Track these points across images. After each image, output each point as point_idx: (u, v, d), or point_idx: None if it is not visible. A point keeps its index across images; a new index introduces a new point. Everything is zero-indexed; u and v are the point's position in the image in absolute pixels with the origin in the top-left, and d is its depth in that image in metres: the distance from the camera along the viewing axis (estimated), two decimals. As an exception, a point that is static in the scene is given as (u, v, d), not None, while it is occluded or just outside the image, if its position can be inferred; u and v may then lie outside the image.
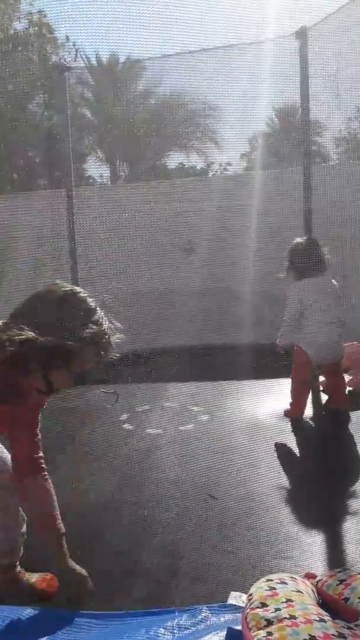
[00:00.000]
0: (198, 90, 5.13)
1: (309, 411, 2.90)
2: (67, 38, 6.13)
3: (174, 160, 6.99)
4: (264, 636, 1.12)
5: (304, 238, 3.15)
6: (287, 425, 2.71)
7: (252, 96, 4.55)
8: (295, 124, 4.65)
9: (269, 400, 3.02)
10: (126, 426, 2.84)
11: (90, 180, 7.42)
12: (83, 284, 4.20)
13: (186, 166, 6.43)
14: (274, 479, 2.15)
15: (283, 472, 2.23)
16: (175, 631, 1.27)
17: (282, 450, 2.45)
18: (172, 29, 4.36)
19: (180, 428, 2.77)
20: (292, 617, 1.14)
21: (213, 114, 5.94)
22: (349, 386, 3.14)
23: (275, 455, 2.38)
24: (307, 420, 2.83)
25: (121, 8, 4.01)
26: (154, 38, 4.40)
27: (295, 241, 3.02)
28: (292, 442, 2.55)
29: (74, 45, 5.79)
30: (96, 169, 7.75)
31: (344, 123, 5.31)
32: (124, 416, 2.96)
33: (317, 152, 6.05)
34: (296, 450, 2.46)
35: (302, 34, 3.79)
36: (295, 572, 1.49)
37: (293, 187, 4.05)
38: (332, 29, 3.81)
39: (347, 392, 3.03)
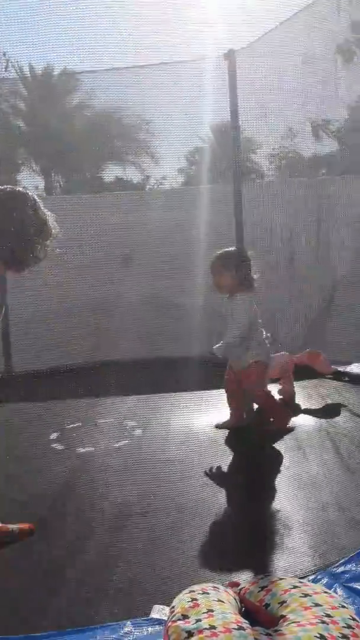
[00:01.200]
0: (134, 105, 5.18)
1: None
2: (-1, 51, 6.00)
3: (110, 173, 6.97)
4: (184, 649, 1.12)
5: (237, 248, 3.19)
6: (220, 437, 2.74)
7: (187, 112, 4.66)
8: (228, 140, 4.79)
9: (201, 413, 3.04)
10: (56, 445, 2.76)
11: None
12: (14, 296, 4.09)
13: (123, 179, 6.44)
14: (202, 491, 2.16)
15: (213, 484, 2.25)
16: (99, 648, 1.25)
17: (212, 462, 2.47)
18: (107, 44, 4.41)
19: (115, 445, 2.73)
20: (212, 627, 1.15)
21: (148, 129, 6.00)
22: (280, 394, 3.24)
23: (205, 467, 2.39)
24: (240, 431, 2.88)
25: (55, 21, 4.00)
26: (90, 52, 4.41)
27: (230, 250, 2.99)
28: (223, 454, 2.57)
29: (4, 54, 5.67)
30: (31, 180, 7.62)
31: (277, 141, 5.52)
32: (54, 435, 2.88)
33: (250, 168, 6.23)
34: (226, 462, 2.48)
35: (230, 55, 3.93)
36: (224, 581, 1.51)
37: (226, 202, 4.16)
38: (261, 51, 3.99)
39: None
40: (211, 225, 4.25)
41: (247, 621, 1.20)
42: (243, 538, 1.79)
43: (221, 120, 5.50)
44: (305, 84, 3.94)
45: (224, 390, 2.93)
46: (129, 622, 1.35)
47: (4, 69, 5.57)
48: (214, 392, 3.06)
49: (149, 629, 1.31)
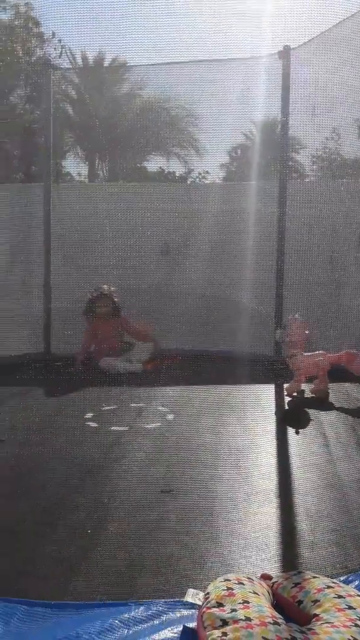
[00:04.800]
0: (182, 97, 5.20)
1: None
2: (53, 34, 6.09)
3: (154, 164, 7.02)
4: (218, 636, 1.16)
5: None
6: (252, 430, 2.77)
7: (235, 109, 4.65)
8: (274, 139, 4.76)
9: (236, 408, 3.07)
10: (91, 424, 2.84)
11: (68, 178, 7.37)
12: (56, 281, 4.19)
13: (166, 171, 6.47)
14: (237, 478, 2.20)
15: (246, 472, 2.28)
16: (131, 624, 1.29)
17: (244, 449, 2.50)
18: (162, 36, 4.43)
19: (146, 426, 2.80)
20: (247, 618, 1.18)
21: (195, 122, 6.00)
22: (312, 393, 3.27)
23: (238, 454, 2.44)
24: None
25: (111, 10, 4.05)
26: (142, 43, 4.44)
27: None
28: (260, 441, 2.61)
29: (59, 41, 5.76)
30: (75, 166, 7.72)
31: (322, 142, 5.45)
32: (90, 414, 2.97)
33: (293, 167, 6.18)
34: (256, 455, 2.51)
35: (285, 54, 3.89)
36: (252, 572, 1.54)
37: (268, 200, 4.15)
38: (315, 51, 3.94)
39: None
40: (252, 221, 4.26)
41: (281, 617, 1.23)
42: (275, 532, 1.81)
43: (269, 117, 5.48)
44: (357, 85, 3.89)
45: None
46: (162, 602, 1.39)
47: (58, 56, 5.67)
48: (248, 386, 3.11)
49: (183, 611, 1.35)
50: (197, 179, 5.92)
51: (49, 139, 4.27)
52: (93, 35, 4.30)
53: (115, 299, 4.07)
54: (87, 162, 7.79)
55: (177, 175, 6.36)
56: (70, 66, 6.33)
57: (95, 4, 4.01)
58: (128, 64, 5.40)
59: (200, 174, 5.89)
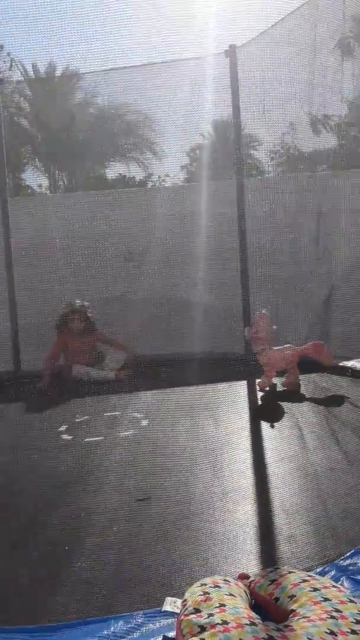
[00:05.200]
0: (136, 102, 5.19)
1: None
2: (1, 47, 6.03)
3: (113, 170, 6.99)
4: (197, 643, 1.15)
5: None
6: (225, 429, 2.78)
7: (188, 110, 4.67)
8: (229, 137, 4.79)
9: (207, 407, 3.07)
10: (65, 436, 2.81)
11: (29, 190, 7.29)
12: (21, 294, 4.14)
13: (126, 177, 6.45)
14: (211, 480, 2.20)
15: (222, 471, 2.28)
16: (112, 640, 1.28)
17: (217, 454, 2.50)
18: (111, 43, 4.42)
19: (121, 434, 2.78)
20: (224, 622, 1.18)
21: (152, 126, 6.00)
22: (284, 386, 3.30)
23: (214, 455, 2.43)
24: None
25: (60, 21, 4.02)
26: (92, 51, 4.42)
27: None
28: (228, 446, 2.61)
29: (8, 54, 5.70)
30: (35, 178, 7.63)
31: (278, 137, 5.51)
32: (63, 427, 2.93)
33: (251, 165, 6.23)
34: (230, 454, 2.52)
35: (231, 52, 3.93)
36: (231, 571, 1.54)
37: (228, 198, 4.18)
38: (261, 48, 3.99)
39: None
40: (214, 221, 4.28)
41: (258, 616, 1.22)
42: (250, 529, 1.81)
43: (223, 116, 5.52)
44: (305, 79, 3.94)
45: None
46: (141, 614, 1.37)
47: (8, 69, 5.61)
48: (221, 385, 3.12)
49: (162, 621, 1.34)
50: (158, 183, 5.92)
51: (1, 151, 4.20)
52: (43, 46, 4.27)
53: (89, 314, 4.02)
54: (46, 174, 7.73)
55: (137, 180, 6.36)
56: (22, 78, 6.26)
57: (44, 15, 3.97)
58: (80, 72, 5.36)
59: (160, 177, 5.89)
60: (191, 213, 4.39)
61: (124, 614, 1.38)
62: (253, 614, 1.23)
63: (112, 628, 1.34)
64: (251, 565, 1.61)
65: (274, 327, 3.29)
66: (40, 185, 7.51)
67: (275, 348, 3.29)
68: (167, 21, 4.13)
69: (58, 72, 6.40)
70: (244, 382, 3.39)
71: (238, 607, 1.24)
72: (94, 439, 2.76)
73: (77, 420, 3.05)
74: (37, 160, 7.61)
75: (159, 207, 4.61)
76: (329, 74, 3.79)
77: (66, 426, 2.95)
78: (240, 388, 3.36)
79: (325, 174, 4.42)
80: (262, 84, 3.96)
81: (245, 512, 1.93)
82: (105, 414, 3.12)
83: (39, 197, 6.48)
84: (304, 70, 3.92)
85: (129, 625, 1.34)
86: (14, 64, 6.10)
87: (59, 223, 4.38)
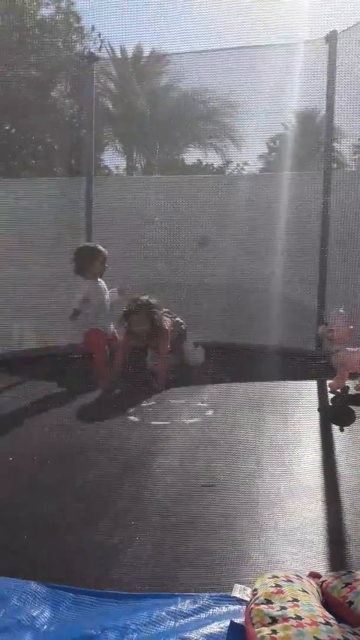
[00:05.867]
0: (221, 87, 5.12)
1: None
2: (93, 28, 6.12)
3: (191, 156, 6.98)
4: (268, 634, 1.13)
5: None
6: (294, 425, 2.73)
7: (274, 97, 4.55)
8: (315, 128, 4.64)
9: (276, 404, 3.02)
10: (132, 418, 2.86)
11: (106, 171, 7.42)
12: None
13: (204, 163, 6.42)
14: (278, 475, 2.16)
15: (289, 468, 2.25)
16: (178, 617, 1.28)
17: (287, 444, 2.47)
18: (198, 26, 4.37)
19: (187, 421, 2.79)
20: (297, 617, 1.15)
21: (233, 113, 5.92)
22: (357, 390, 3.18)
23: (281, 450, 2.40)
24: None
25: (148, 2, 4.03)
26: (179, 34, 4.40)
27: None
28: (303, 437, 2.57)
29: (99, 35, 5.79)
30: (113, 159, 7.76)
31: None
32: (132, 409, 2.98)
33: (335, 158, 6.02)
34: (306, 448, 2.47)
35: (332, 38, 3.76)
36: (297, 569, 1.51)
37: (310, 191, 4.06)
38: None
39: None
40: (293, 212, 4.17)
41: (332, 617, 1.19)
42: (318, 529, 1.77)
43: (310, 107, 5.35)
44: None
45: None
46: (207, 596, 1.37)
47: (97, 49, 5.70)
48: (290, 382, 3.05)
49: (230, 606, 1.33)
50: (236, 171, 5.85)
51: (90, 132, 4.28)
52: (131, 27, 4.29)
53: (158, 316, 3.51)
54: (125, 156, 7.83)
55: (215, 167, 6.31)
56: (109, 59, 6.35)
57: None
58: (166, 54, 5.35)
59: (238, 165, 5.82)
60: (270, 202, 4.30)
61: (190, 594, 1.39)
62: (327, 614, 1.20)
63: (179, 605, 1.35)
64: (320, 566, 1.57)
65: (351, 327, 3.16)
66: (117, 167, 7.64)
67: (350, 349, 3.17)
68: (263, 4, 4.02)
69: (145, 54, 6.42)
70: (314, 382, 3.30)
71: (312, 605, 1.21)
72: (161, 422, 2.78)
73: (143, 404, 3.09)
74: (117, 141, 7.73)
75: (237, 194, 4.55)
76: None
77: (133, 409, 2.99)
78: (310, 387, 3.27)
79: None
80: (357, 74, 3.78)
81: (315, 512, 1.88)
82: (170, 401, 3.14)
83: (118, 177, 6.59)
84: None
85: (195, 605, 1.35)
86: (103, 44, 6.19)
87: (135, 204, 4.43)
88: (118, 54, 6.77)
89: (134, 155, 7.82)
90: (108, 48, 6.19)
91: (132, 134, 7.08)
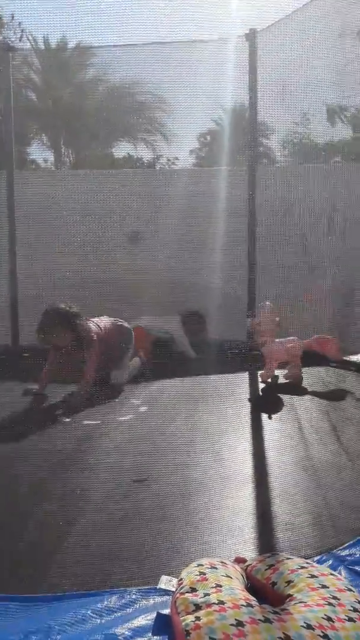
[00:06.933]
0: (149, 81, 5.10)
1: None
2: (13, 17, 5.88)
3: (122, 150, 6.90)
4: (192, 621, 1.14)
5: None
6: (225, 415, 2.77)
7: (203, 93, 4.59)
8: (245, 124, 4.72)
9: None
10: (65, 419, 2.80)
11: (33, 166, 7.19)
12: (23, 272, 4.09)
13: (134, 157, 6.37)
14: (210, 465, 2.20)
15: (220, 457, 2.28)
16: (104, 614, 1.27)
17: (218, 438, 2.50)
18: (126, 20, 4.31)
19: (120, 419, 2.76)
20: (220, 602, 1.17)
21: (163, 107, 5.91)
22: (286, 378, 3.29)
23: (212, 442, 2.43)
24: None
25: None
26: (106, 27, 4.33)
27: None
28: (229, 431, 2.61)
29: (19, 25, 5.57)
30: (40, 153, 7.53)
31: (292, 126, 5.43)
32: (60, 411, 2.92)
33: (263, 153, 6.16)
34: (232, 440, 2.51)
35: (251, 36, 3.85)
36: (227, 556, 1.53)
37: (238, 184, 4.13)
38: (281, 34, 3.90)
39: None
40: (222, 206, 4.23)
41: (254, 598, 1.22)
42: (248, 516, 1.81)
43: (237, 102, 5.44)
44: (322, 69, 3.87)
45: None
46: (135, 590, 1.37)
47: (18, 39, 5.49)
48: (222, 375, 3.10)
49: (156, 598, 1.33)
50: (167, 165, 5.85)
51: (9, 124, 4.13)
52: (55, 17, 4.17)
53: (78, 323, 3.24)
54: (52, 149, 7.63)
55: (145, 161, 6.28)
56: (32, 50, 6.13)
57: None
58: (93, 46, 5.25)
59: (169, 160, 5.82)
60: (198, 197, 4.34)
61: (118, 589, 1.38)
62: (250, 596, 1.22)
63: (106, 602, 1.33)
64: (248, 551, 1.60)
65: (277, 319, 3.26)
66: (45, 160, 7.42)
67: (278, 340, 3.27)
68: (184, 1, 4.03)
69: (71, 45, 6.26)
70: (246, 372, 3.38)
71: (234, 589, 1.24)
72: (93, 422, 2.74)
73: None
74: (43, 135, 7.51)
75: (168, 188, 4.56)
76: (350, 64, 3.72)
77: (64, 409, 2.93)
78: (242, 378, 3.34)
79: (339, 164, 4.38)
80: (282, 70, 3.89)
81: (244, 498, 1.92)
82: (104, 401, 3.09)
83: (44, 172, 6.40)
84: (325, 58, 3.84)
85: (122, 601, 1.34)
86: (24, 34, 5.96)
87: (63, 198, 4.33)
88: (41, 44, 6.56)
89: (62, 149, 7.64)
90: (30, 38, 5.96)
91: (59, 127, 6.91)
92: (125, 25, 4.19)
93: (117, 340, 3.39)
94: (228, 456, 2.29)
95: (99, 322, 3.35)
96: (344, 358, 3.46)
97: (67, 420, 2.76)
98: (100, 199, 4.37)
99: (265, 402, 3.03)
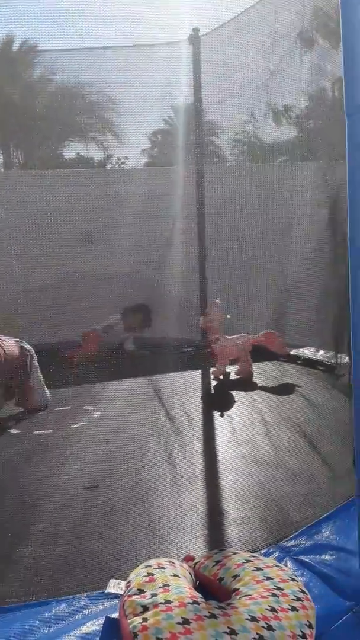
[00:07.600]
0: (97, 82, 5.07)
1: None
2: None
3: (71, 150, 6.80)
4: (139, 622, 1.15)
5: None
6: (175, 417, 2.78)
7: (151, 93, 4.60)
8: (196, 124, 4.76)
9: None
10: (13, 430, 2.74)
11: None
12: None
13: (85, 157, 6.29)
14: (161, 467, 2.21)
15: (172, 459, 2.29)
16: (52, 622, 1.26)
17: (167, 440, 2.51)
18: (76, 20, 4.26)
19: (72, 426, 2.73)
20: (167, 601, 1.18)
21: (113, 107, 5.88)
22: (237, 374, 3.35)
23: (164, 444, 2.43)
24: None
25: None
26: (54, 28, 4.26)
27: None
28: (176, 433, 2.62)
29: None
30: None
31: (238, 125, 5.52)
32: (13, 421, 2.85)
33: (213, 152, 6.23)
34: (179, 440, 2.53)
35: (194, 39, 3.91)
36: (178, 556, 1.55)
37: (189, 184, 4.16)
38: (225, 36, 3.96)
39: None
40: (173, 205, 4.25)
41: (201, 595, 1.24)
42: (198, 514, 1.83)
43: (185, 102, 5.48)
44: (266, 70, 3.95)
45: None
46: (84, 596, 1.36)
47: None
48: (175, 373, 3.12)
49: (105, 603, 1.33)
50: (117, 165, 5.81)
51: None
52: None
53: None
54: (1, 150, 7.44)
55: (95, 161, 6.22)
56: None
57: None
58: (39, 48, 5.16)
59: (119, 159, 5.79)
60: (150, 196, 4.34)
61: (66, 597, 1.37)
62: (196, 594, 1.24)
63: (54, 610, 1.33)
64: (198, 548, 1.63)
65: (228, 316, 3.31)
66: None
67: (228, 337, 3.31)
68: (135, 5, 4.04)
69: (16, 45, 6.13)
70: (199, 370, 3.41)
71: (181, 587, 1.25)
72: (44, 431, 2.69)
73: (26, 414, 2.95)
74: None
75: (119, 188, 4.53)
76: (290, 65, 3.82)
77: (14, 421, 2.86)
78: (196, 376, 3.37)
79: (283, 164, 4.47)
80: (224, 71, 3.95)
81: (194, 497, 1.95)
82: (55, 409, 3.03)
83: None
84: (266, 59, 3.93)
85: (71, 608, 1.34)
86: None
87: (11, 200, 4.22)
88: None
89: (11, 150, 7.46)
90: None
91: (6, 127, 6.74)
92: (72, 25, 4.16)
93: (19, 362, 3.12)
94: (180, 456, 2.31)
95: (2, 343, 3.08)
96: (291, 352, 3.55)
97: (17, 432, 2.70)
98: (48, 200, 4.29)
99: (217, 399, 3.06)
